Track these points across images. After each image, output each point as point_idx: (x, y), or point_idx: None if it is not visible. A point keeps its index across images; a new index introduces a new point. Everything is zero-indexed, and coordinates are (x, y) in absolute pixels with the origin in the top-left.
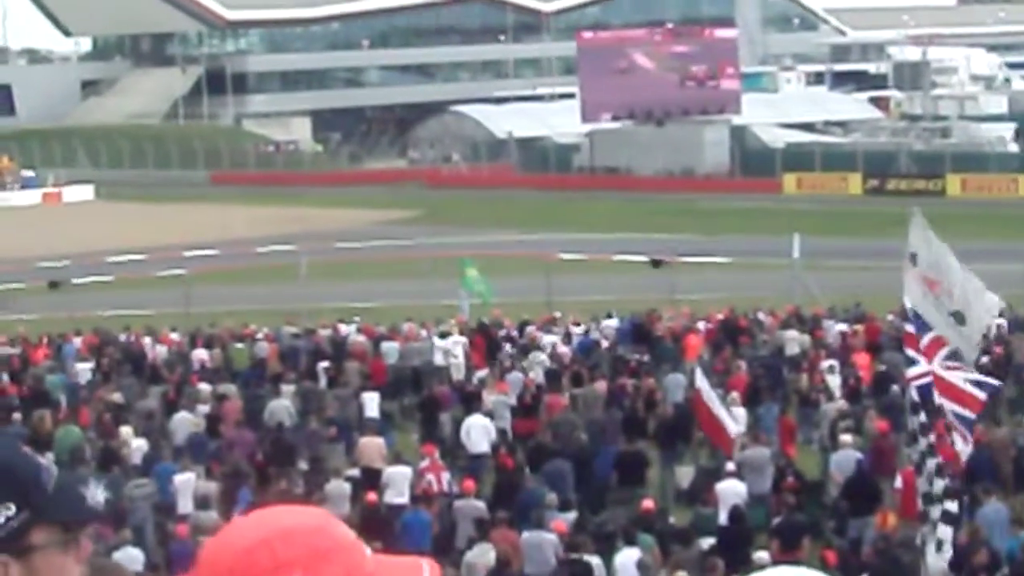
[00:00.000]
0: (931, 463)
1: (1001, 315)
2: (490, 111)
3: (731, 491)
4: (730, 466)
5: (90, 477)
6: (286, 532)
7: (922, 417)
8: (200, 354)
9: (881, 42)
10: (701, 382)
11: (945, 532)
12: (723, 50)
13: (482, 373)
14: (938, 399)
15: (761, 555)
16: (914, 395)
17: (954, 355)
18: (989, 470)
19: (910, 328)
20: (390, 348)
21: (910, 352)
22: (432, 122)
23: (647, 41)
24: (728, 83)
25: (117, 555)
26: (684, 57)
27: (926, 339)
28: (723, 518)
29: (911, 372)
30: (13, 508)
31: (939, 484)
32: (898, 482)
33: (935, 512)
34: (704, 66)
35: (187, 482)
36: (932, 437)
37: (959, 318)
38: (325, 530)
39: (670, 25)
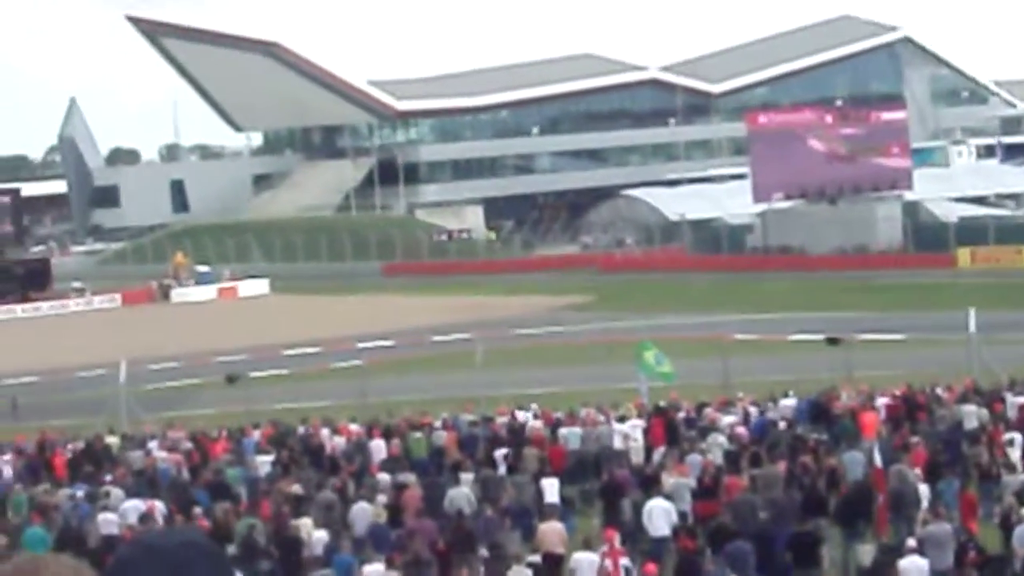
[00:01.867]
0: None
1: None
2: (661, 194)
3: (914, 568)
4: (912, 542)
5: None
6: None
7: None
8: (378, 444)
9: None
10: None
11: None
12: (892, 131)
13: (661, 456)
14: None
15: None
16: None
17: None
18: None
19: None
20: (569, 433)
21: None
22: (604, 207)
23: (817, 125)
24: (898, 161)
25: None
26: (853, 139)
27: None
28: None
29: None
30: None
31: None
32: None
33: None
34: (873, 147)
35: (375, 573)
36: None
37: None
38: None
39: (839, 103)
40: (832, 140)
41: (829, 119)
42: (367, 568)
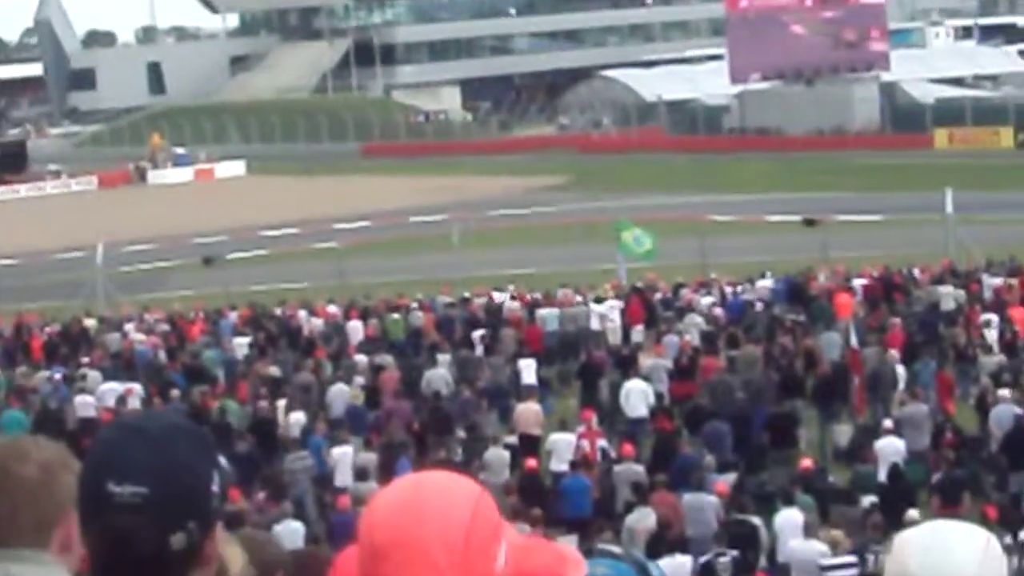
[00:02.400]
0: None
1: None
2: (639, 75)
3: (890, 448)
4: (888, 423)
5: (216, 472)
6: (483, 495)
7: None
8: (356, 325)
9: None
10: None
11: None
12: (871, 14)
13: (638, 337)
14: None
15: (911, 513)
16: None
17: None
18: None
19: None
20: (546, 314)
21: None
22: (581, 88)
23: (796, 9)
24: (876, 44)
25: (278, 528)
26: (833, 22)
27: None
28: (882, 476)
29: None
30: (216, 474)
31: None
32: None
33: None
34: (853, 30)
35: (344, 455)
36: None
37: None
38: (488, 495)
39: None
40: (812, 24)
41: (809, 2)
42: (335, 450)
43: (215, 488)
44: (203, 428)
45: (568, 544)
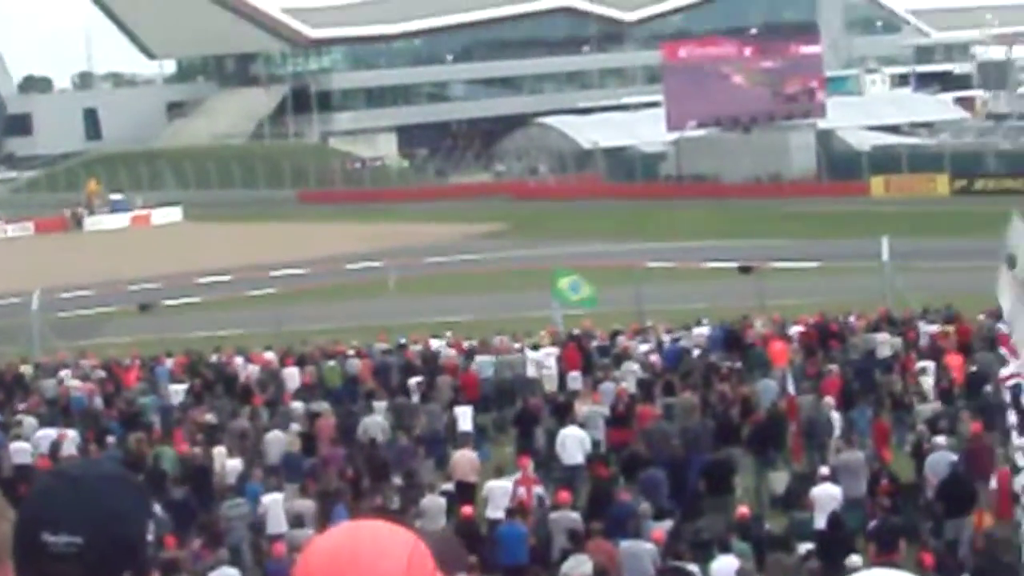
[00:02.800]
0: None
1: None
2: (575, 122)
3: (826, 495)
4: (824, 470)
5: (150, 521)
6: (418, 544)
7: (1012, 417)
8: (292, 372)
9: (965, 42)
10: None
11: None
12: (809, 64)
13: (576, 384)
14: None
15: (854, 559)
16: (1007, 395)
17: None
18: None
19: (1004, 328)
20: (482, 361)
21: (1003, 351)
22: (517, 134)
23: (736, 59)
24: (813, 93)
25: (213, 575)
26: (772, 72)
27: (1016, 341)
28: (819, 523)
29: (1004, 372)
30: (151, 524)
31: None
32: (993, 483)
33: None
34: (792, 80)
35: (276, 502)
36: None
37: None
38: (423, 544)
39: (753, 31)
40: (752, 73)
41: (748, 52)
42: (269, 497)
43: (150, 537)
44: (138, 477)
45: None
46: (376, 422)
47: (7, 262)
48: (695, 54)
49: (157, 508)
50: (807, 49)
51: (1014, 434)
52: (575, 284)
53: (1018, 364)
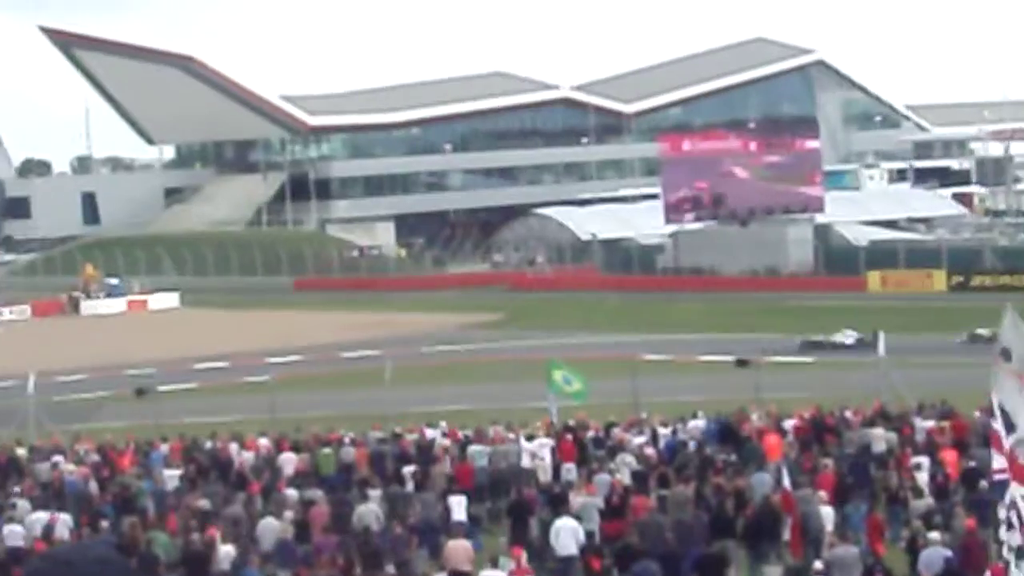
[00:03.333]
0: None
1: None
2: (573, 213)
3: None
4: (818, 565)
5: None
6: None
7: (1001, 512)
8: (287, 459)
9: (963, 138)
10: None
11: None
12: (810, 159)
13: (570, 475)
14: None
15: None
16: (996, 491)
17: None
18: None
19: (996, 426)
20: (477, 451)
21: (994, 450)
22: (516, 225)
23: (740, 153)
24: (812, 188)
25: None
26: (774, 168)
27: (1009, 442)
28: None
29: (995, 466)
30: None
31: None
32: None
33: None
34: (794, 174)
35: None
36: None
37: None
38: None
39: (752, 125)
40: (755, 168)
41: (753, 147)
42: None
43: None
44: (130, 561)
45: None
46: (371, 510)
47: (4, 345)
48: (699, 148)
49: None
50: (809, 143)
51: (1002, 529)
52: (567, 377)
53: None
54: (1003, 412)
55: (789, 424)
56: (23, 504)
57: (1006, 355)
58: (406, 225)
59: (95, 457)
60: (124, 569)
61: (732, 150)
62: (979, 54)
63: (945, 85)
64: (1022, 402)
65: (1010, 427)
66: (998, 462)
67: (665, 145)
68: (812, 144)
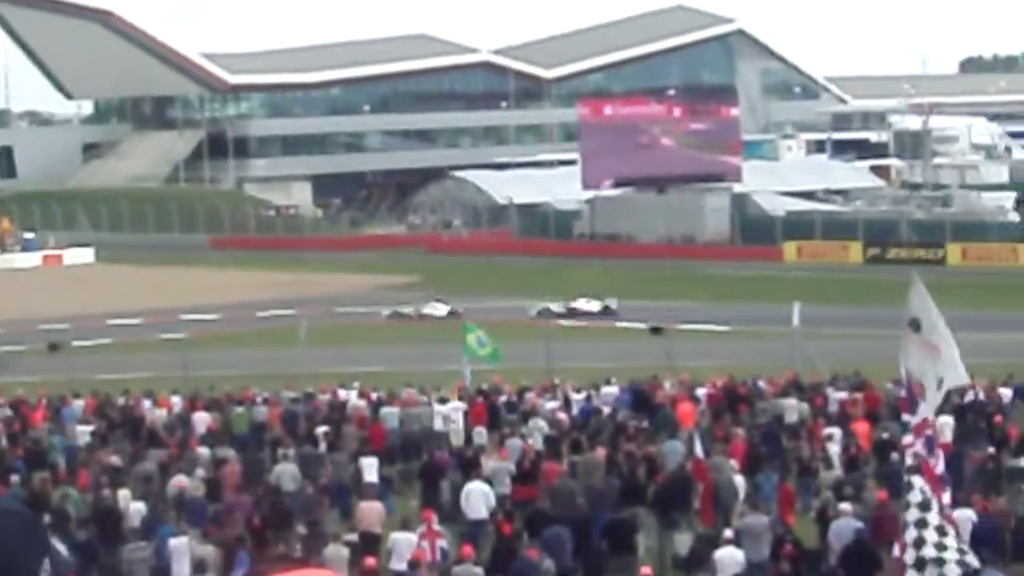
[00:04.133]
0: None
1: (1005, 384)
2: (491, 177)
3: (729, 559)
4: (728, 533)
5: (45, 559)
6: None
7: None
8: (199, 417)
9: (882, 111)
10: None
11: None
12: (729, 126)
13: (481, 439)
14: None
15: None
16: (908, 461)
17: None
18: (991, 540)
19: (903, 393)
20: (389, 413)
21: (905, 417)
22: (433, 187)
23: (661, 119)
24: (729, 156)
25: None
26: (697, 135)
27: (918, 417)
28: None
29: (907, 439)
30: (47, 562)
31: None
32: (896, 551)
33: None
34: (716, 143)
35: (182, 546)
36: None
37: (939, 384)
38: None
39: (672, 92)
40: (679, 136)
41: (677, 113)
42: (173, 541)
43: (43, 573)
44: (36, 514)
45: None
46: (288, 469)
47: None
48: (620, 113)
49: (61, 548)
50: (729, 111)
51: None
52: (481, 339)
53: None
54: (909, 380)
55: (702, 392)
56: None
57: (915, 325)
58: (323, 185)
59: (7, 412)
60: (27, 520)
61: (655, 115)
62: (899, 27)
63: (864, 58)
64: (933, 370)
65: (914, 402)
66: (908, 437)
67: (585, 110)
68: (731, 111)
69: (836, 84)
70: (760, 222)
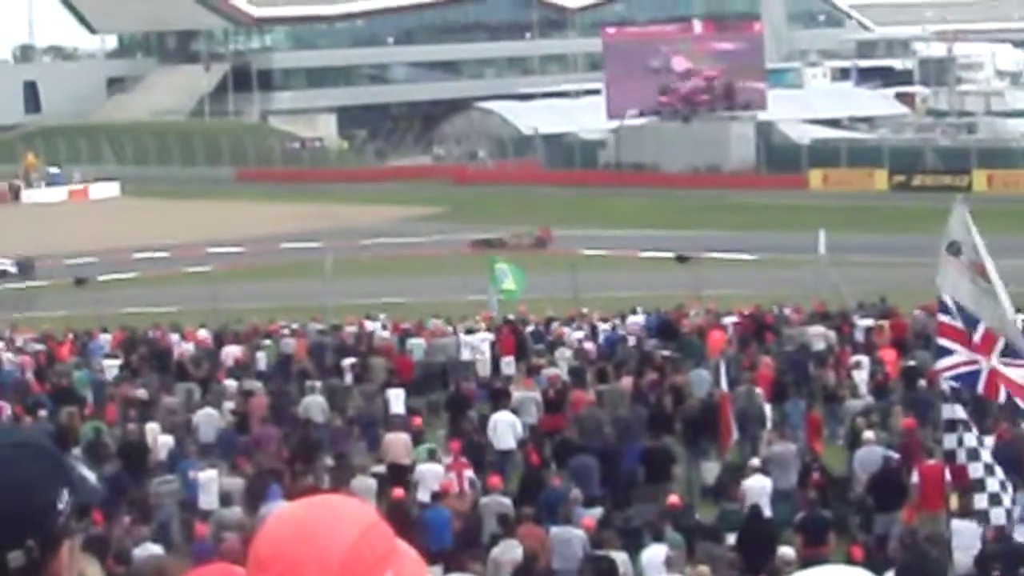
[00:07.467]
0: (983, 453)
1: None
2: (516, 107)
3: (757, 487)
4: (756, 462)
5: (82, 463)
6: (378, 524)
7: (958, 411)
8: (227, 351)
9: (907, 38)
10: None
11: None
12: (752, 51)
13: (509, 369)
14: (1003, 395)
15: (785, 551)
16: (949, 386)
17: (1010, 350)
18: (1014, 465)
19: (947, 319)
20: (416, 344)
21: (944, 342)
22: (458, 119)
23: (678, 38)
24: (753, 83)
25: (137, 551)
26: (717, 55)
27: (978, 334)
28: None
29: (944, 363)
30: (66, 493)
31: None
32: (915, 477)
33: (983, 502)
34: (740, 68)
35: (210, 479)
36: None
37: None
38: (383, 524)
39: (696, 21)
40: (697, 56)
41: (699, 29)
42: (201, 475)
43: (61, 506)
44: (54, 446)
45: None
46: (317, 402)
47: None
48: (641, 33)
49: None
50: (757, 27)
51: (961, 429)
52: (504, 272)
53: (967, 354)
54: (959, 307)
55: (728, 321)
56: None
57: (954, 249)
58: (348, 117)
59: (35, 346)
60: (42, 452)
61: (677, 35)
62: None
63: None
64: (979, 292)
65: (971, 321)
66: (952, 357)
67: (610, 32)
68: (757, 27)
69: (860, 11)
70: (785, 150)
